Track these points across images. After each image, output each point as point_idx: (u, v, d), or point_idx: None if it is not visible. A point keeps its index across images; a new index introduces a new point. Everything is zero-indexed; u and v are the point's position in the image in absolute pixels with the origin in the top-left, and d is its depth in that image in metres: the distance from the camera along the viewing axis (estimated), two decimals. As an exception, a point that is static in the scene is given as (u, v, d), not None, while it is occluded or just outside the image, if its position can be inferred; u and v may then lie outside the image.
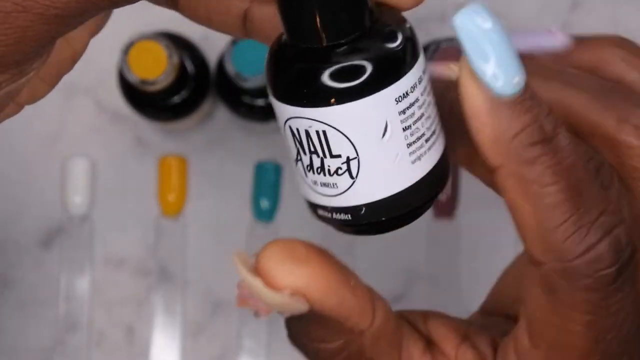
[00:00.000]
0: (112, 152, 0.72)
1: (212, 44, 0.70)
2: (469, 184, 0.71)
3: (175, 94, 0.67)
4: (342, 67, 0.28)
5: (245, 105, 0.68)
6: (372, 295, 0.31)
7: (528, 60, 0.30)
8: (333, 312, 0.30)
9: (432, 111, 0.30)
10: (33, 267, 0.72)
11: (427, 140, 0.30)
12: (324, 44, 0.28)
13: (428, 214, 0.70)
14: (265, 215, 0.70)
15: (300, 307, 0.30)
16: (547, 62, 0.33)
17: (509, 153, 0.28)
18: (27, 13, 0.26)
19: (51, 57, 0.33)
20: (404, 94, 0.29)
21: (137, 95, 0.67)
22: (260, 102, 0.67)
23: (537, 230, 0.29)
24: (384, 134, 0.29)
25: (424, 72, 0.30)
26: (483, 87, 0.28)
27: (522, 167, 0.28)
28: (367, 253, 0.70)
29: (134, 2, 0.28)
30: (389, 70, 0.29)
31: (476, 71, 0.28)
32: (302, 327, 0.32)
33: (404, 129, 0.29)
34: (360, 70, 0.28)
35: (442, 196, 0.70)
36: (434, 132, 0.30)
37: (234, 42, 0.64)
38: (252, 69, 0.63)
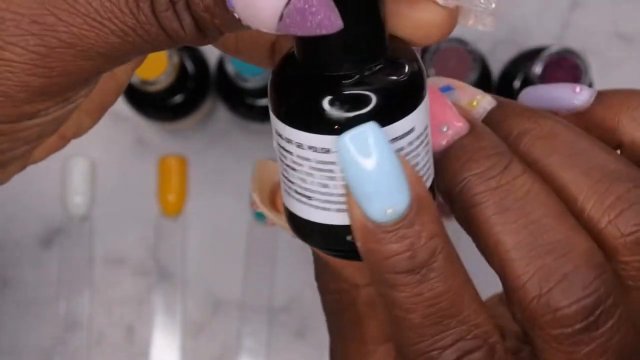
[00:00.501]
0: (112, 152, 0.72)
1: (212, 44, 0.70)
2: (468, 184, 0.71)
3: (175, 94, 0.67)
4: (286, 84, 0.29)
5: (245, 105, 0.68)
6: None
7: (542, 120, 0.29)
8: (326, 256, 0.31)
9: (317, 183, 0.29)
10: (33, 267, 0.72)
11: (297, 193, 0.30)
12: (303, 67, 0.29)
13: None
14: (265, 215, 0.70)
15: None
16: (563, 124, 0.31)
17: (373, 272, 0.28)
18: (71, 49, 0.27)
19: (95, 92, 0.33)
20: (283, 137, 0.29)
21: (137, 96, 0.67)
22: (260, 102, 0.67)
23: (394, 339, 0.29)
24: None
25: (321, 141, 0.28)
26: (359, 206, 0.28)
27: (384, 288, 0.28)
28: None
29: (173, 47, 0.28)
30: (282, 108, 0.29)
31: (352, 192, 0.27)
32: (314, 254, 0.33)
33: (282, 165, 0.30)
34: (274, 92, 0.29)
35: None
36: (307, 197, 0.30)
37: (234, 42, 0.64)
38: (252, 70, 0.63)
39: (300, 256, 0.71)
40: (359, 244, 0.28)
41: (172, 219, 0.71)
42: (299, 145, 0.29)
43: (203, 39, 0.27)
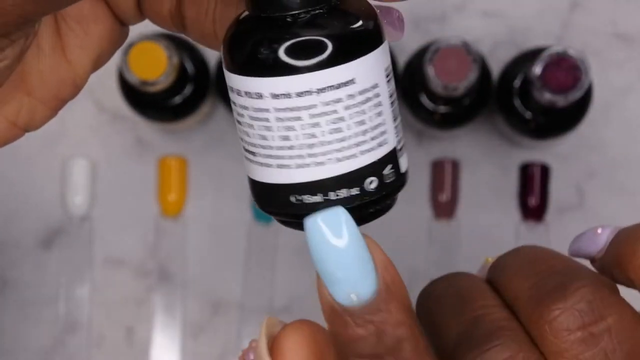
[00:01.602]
0: (112, 152, 0.72)
1: (212, 44, 0.70)
2: (469, 184, 0.71)
3: (175, 95, 0.67)
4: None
5: (245, 106, 0.68)
6: None
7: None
8: None
9: (257, 135, 0.30)
10: (33, 267, 0.72)
11: (248, 152, 0.30)
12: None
13: (428, 215, 0.71)
14: (265, 215, 0.70)
15: None
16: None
17: (340, 353, 0.28)
18: None
19: (49, 77, 0.33)
20: (228, 86, 0.30)
21: (137, 96, 0.67)
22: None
23: None
24: None
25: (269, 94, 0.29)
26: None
27: None
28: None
29: (61, 8, 0.28)
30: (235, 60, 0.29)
31: (319, 273, 0.28)
32: None
33: (236, 124, 0.31)
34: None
35: (443, 197, 0.70)
36: (252, 153, 0.30)
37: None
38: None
39: (300, 257, 0.71)
40: (327, 325, 0.28)
41: (172, 219, 0.71)
42: (238, 92, 0.29)
43: None
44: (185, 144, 0.72)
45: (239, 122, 0.30)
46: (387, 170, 0.30)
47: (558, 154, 0.71)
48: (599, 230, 0.32)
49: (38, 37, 0.32)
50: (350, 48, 0.28)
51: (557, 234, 0.69)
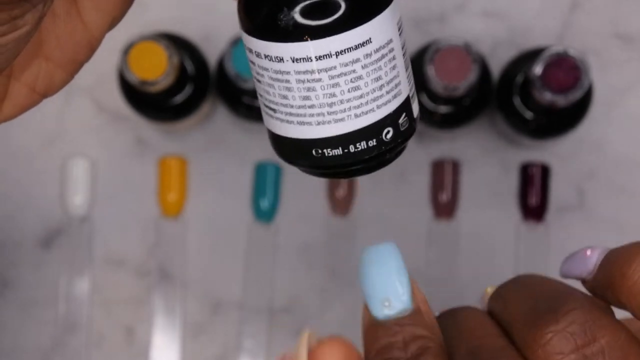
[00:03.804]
0: (112, 152, 0.72)
1: (212, 44, 0.70)
2: (469, 185, 0.71)
3: (175, 95, 0.67)
4: None
5: (245, 106, 0.68)
6: None
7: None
8: None
9: (278, 94, 0.31)
10: (33, 267, 0.72)
11: (268, 108, 0.31)
12: None
13: (428, 215, 0.71)
14: (265, 215, 0.70)
15: None
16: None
17: None
18: None
19: (66, 41, 0.33)
20: (246, 48, 0.31)
21: (137, 96, 0.67)
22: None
23: None
24: None
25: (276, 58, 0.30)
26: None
27: None
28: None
29: None
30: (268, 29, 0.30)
31: (364, 296, 0.31)
32: None
33: (254, 81, 0.32)
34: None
35: (443, 197, 0.70)
36: (272, 110, 0.31)
37: (234, 43, 0.64)
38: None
39: (300, 257, 0.71)
40: (363, 340, 0.31)
41: (172, 219, 0.71)
42: (258, 54, 0.30)
43: None
44: (185, 144, 0.72)
45: (259, 81, 0.31)
46: (402, 119, 0.31)
47: (558, 154, 0.71)
48: (588, 252, 0.32)
49: (53, 4, 0.33)
50: (366, 8, 0.29)
51: (557, 234, 0.69)
